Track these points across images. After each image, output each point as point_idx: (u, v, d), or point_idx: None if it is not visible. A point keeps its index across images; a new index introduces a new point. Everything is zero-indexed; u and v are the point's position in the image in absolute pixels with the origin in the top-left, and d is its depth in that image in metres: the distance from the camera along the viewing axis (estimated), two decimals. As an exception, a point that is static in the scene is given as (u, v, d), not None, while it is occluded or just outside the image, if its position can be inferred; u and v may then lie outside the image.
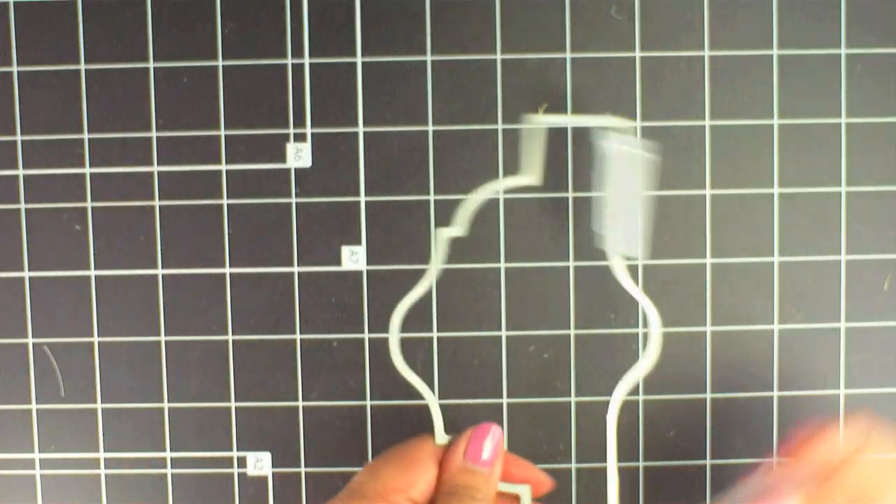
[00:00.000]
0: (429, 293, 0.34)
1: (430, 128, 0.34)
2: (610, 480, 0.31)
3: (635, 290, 0.31)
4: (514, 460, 0.31)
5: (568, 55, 0.34)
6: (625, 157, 0.30)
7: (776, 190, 0.34)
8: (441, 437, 0.30)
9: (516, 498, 0.30)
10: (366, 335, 0.35)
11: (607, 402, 0.34)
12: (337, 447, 0.35)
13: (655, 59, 0.34)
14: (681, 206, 0.34)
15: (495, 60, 0.34)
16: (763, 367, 0.34)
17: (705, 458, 0.35)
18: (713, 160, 0.34)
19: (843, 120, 0.34)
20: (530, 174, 0.30)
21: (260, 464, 0.35)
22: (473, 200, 0.30)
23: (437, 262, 0.31)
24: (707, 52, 0.34)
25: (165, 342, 0.35)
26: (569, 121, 0.31)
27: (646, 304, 0.31)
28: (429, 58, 0.34)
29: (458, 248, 0.34)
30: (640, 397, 0.34)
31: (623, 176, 0.30)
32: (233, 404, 0.35)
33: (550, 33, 0.34)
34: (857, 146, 0.34)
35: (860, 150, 0.34)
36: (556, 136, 0.34)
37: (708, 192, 0.34)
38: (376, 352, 0.35)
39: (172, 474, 0.35)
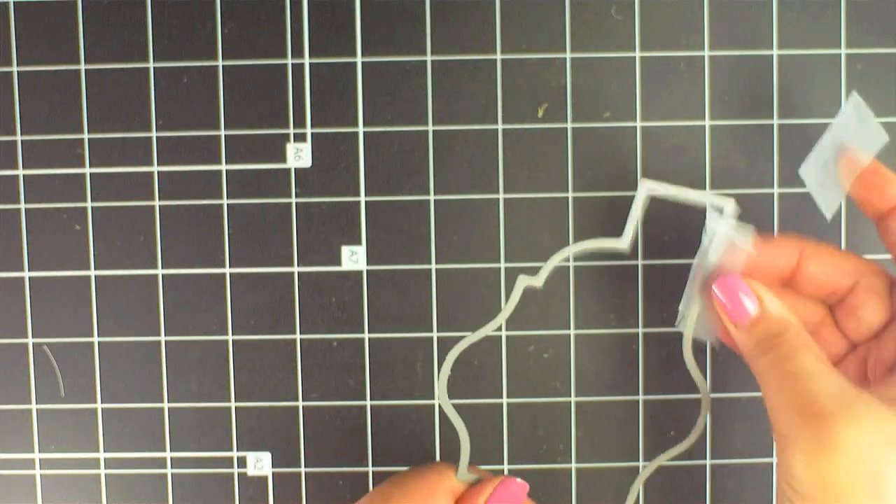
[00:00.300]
0: (430, 293, 0.34)
1: (430, 128, 0.34)
2: None
3: (698, 374, 0.30)
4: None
5: (568, 55, 0.34)
6: (727, 243, 0.28)
7: (776, 190, 0.34)
8: (464, 473, 0.29)
9: None
10: (366, 335, 0.35)
11: (607, 403, 0.35)
12: (337, 447, 0.35)
13: (655, 59, 0.34)
14: (682, 206, 0.34)
15: (495, 60, 0.34)
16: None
17: (705, 458, 0.35)
18: (713, 160, 0.34)
19: (843, 120, 0.34)
20: (624, 239, 0.29)
21: (260, 464, 0.35)
22: (560, 256, 0.29)
23: (509, 307, 0.29)
24: (707, 52, 0.34)
25: (165, 342, 0.35)
26: (682, 194, 0.29)
27: (703, 389, 0.30)
28: (429, 58, 0.34)
29: (458, 249, 0.34)
30: (640, 397, 0.34)
31: (720, 262, 0.28)
32: (233, 404, 0.35)
33: (550, 33, 0.34)
34: (857, 146, 0.34)
35: (860, 150, 0.34)
36: (556, 136, 0.34)
37: (709, 192, 0.34)
38: (376, 352, 0.35)
39: (172, 474, 0.35)
